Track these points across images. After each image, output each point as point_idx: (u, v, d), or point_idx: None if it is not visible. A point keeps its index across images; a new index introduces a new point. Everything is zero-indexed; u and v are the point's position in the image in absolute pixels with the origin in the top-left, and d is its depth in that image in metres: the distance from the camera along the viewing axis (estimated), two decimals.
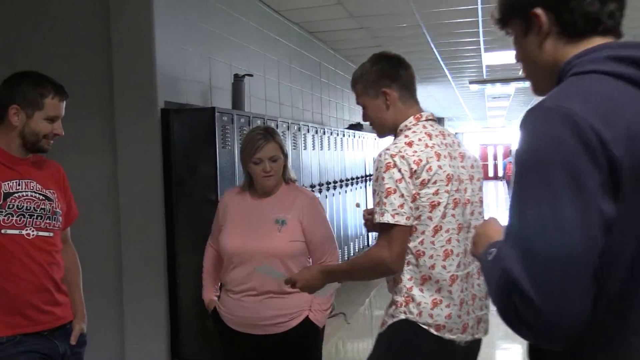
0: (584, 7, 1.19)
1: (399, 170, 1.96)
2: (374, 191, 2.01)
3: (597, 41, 1.20)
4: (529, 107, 1.24)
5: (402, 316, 2.01)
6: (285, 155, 2.65)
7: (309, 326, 2.60)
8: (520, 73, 1.40)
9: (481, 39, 7.86)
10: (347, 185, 7.18)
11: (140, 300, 3.96)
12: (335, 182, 6.75)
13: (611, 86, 1.12)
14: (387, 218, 1.94)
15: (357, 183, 7.42)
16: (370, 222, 2.20)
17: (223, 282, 2.73)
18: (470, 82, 11.49)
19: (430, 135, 2.10)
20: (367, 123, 2.26)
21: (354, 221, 7.54)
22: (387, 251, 1.96)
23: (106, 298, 4.06)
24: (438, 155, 2.04)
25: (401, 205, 1.94)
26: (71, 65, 4.05)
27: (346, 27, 7.05)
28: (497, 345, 5.28)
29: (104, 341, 4.01)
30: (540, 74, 1.29)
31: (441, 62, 9.62)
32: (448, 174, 2.04)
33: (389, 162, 1.97)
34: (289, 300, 2.56)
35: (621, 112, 1.07)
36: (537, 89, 1.32)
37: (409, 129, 2.12)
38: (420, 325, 1.99)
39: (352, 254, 7.30)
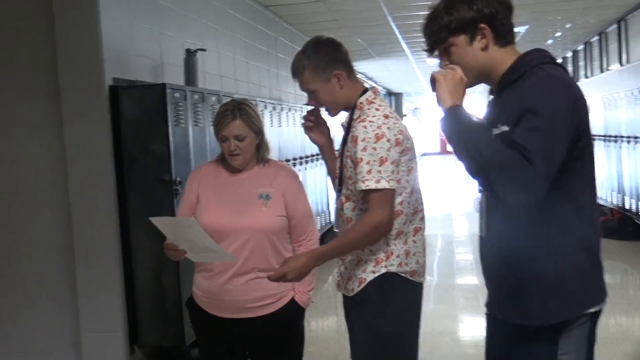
0: (509, 24, 1.79)
1: (388, 140, 2.16)
2: (360, 159, 2.15)
3: (514, 48, 1.80)
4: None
5: (384, 270, 2.24)
6: (258, 133, 2.51)
7: (294, 307, 2.53)
8: None
9: None
10: (307, 162, 7.07)
11: (95, 287, 3.79)
12: (295, 159, 6.64)
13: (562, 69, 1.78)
14: (384, 184, 2.14)
15: (317, 160, 7.31)
16: (309, 124, 2.46)
17: (199, 264, 2.57)
18: (428, 56, 11.45)
19: (391, 108, 2.32)
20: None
21: (317, 198, 7.46)
22: (382, 212, 2.15)
23: (58, 286, 3.90)
24: (406, 126, 2.30)
25: (393, 172, 2.15)
26: (11, 41, 3.85)
27: (302, 0, 6.88)
28: (459, 318, 5.29)
29: (58, 331, 3.89)
30: (474, 71, 1.78)
31: (399, 36, 9.54)
32: (413, 142, 2.30)
33: (378, 134, 2.16)
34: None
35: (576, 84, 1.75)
36: (467, 85, 1.78)
37: (372, 102, 2.28)
38: (401, 274, 2.26)
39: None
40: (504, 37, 1.78)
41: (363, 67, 13.68)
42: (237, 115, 2.46)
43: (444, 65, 1.83)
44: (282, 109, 6.46)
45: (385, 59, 12.32)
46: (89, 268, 3.80)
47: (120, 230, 3.81)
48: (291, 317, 2.55)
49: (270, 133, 5.98)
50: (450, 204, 12.51)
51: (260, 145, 2.54)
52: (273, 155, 2.62)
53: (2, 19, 3.90)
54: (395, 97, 22.04)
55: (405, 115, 23.35)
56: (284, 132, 6.48)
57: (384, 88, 19.77)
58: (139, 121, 3.80)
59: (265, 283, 2.43)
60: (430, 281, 6.31)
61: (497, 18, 1.75)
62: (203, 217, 2.48)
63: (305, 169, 7.03)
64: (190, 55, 4.47)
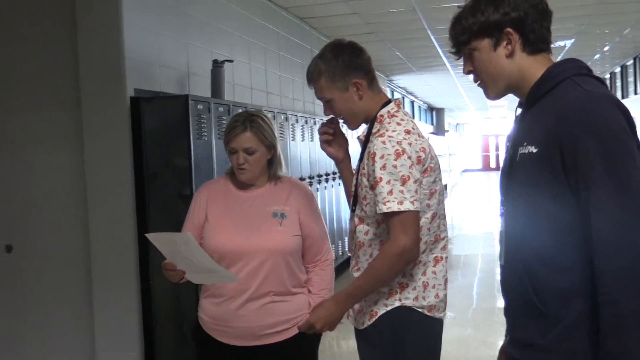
0: (541, 30, 1.57)
1: (409, 157, 1.94)
2: (379, 179, 1.93)
3: (547, 57, 1.59)
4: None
5: (397, 303, 2.02)
6: (270, 148, 2.34)
7: (312, 332, 2.33)
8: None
9: None
10: (340, 177, 6.89)
11: (111, 304, 3.69)
12: (327, 174, 6.46)
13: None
14: (407, 206, 1.91)
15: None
16: (329, 137, 2.23)
17: (206, 289, 2.41)
18: (455, 59, 11.18)
19: (414, 124, 2.08)
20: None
21: (348, 215, 7.24)
22: (405, 237, 1.92)
23: (75, 302, 3.81)
24: (429, 145, 2.07)
25: (416, 191, 1.94)
26: (32, 50, 3.79)
27: (338, 12, 6.74)
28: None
29: (73, 348, 3.79)
30: (500, 81, 1.60)
31: (439, 50, 9.30)
32: (437, 163, 2.08)
33: (398, 150, 1.94)
34: (291, 304, 2.31)
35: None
36: (492, 95, 1.64)
37: (394, 116, 2.07)
38: (416, 309, 2.03)
39: (347, 249, 7.01)
40: (535, 44, 1.57)
41: (403, 82, 13.46)
42: (248, 127, 2.29)
43: (466, 71, 1.65)
44: (314, 123, 6.30)
45: (426, 73, 12.07)
46: (105, 285, 3.70)
47: (139, 246, 3.69)
48: (307, 343, 2.37)
49: (302, 147, 5.86)
50: (492, 222, 12.12)
51: (272, 161, 2.37)
52: (285, 171, 2.45)
53: (24, 29, 3.85)
54: (436, 113, 21.70)
55: (447, 131, 22.97)
56: (317, 146, 6.31)
57: (425, 103, 19.48)
58: (160, 133, 3.69)
59: (281, 307, 2.30)
60: (469, 305, 6.02)
61: (527, 23, 1.55)
62: (214, 237, 2.32)
63: (339, 184, 6.84)
64: (216, 66, 4.34)
